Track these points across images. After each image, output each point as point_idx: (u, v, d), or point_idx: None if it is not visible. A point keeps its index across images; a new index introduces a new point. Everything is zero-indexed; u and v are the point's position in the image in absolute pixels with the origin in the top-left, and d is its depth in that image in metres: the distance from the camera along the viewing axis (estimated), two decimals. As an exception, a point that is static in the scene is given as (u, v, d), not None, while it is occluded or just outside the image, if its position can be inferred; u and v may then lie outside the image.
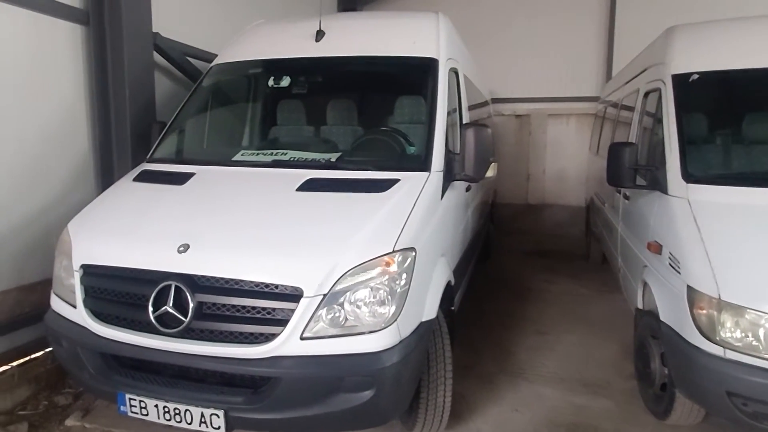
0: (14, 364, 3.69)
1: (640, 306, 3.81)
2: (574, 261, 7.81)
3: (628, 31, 8.97)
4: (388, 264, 2.44)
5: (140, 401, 2.53)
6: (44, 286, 3.88)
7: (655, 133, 3.74)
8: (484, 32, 9.31)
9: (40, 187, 3.88)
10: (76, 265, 2.70)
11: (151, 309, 2.43)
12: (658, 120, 3.71)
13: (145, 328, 2.49)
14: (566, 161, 9.82)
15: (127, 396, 2.55)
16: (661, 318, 3.11)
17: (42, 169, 3.88)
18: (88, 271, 2.67)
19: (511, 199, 9.93)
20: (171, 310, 2.40)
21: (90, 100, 4.20)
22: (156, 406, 2.50)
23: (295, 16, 4.39)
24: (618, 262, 4.78)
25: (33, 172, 3.82)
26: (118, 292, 2.60)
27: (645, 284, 3.66)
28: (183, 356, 2.44)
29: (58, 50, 3.98)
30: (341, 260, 2.39)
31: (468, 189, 4.13)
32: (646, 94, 4.22)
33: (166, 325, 2.43)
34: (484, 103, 6.88)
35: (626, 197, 4.32)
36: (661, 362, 3.26)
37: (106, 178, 4.20)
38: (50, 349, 3.86)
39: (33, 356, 3.82)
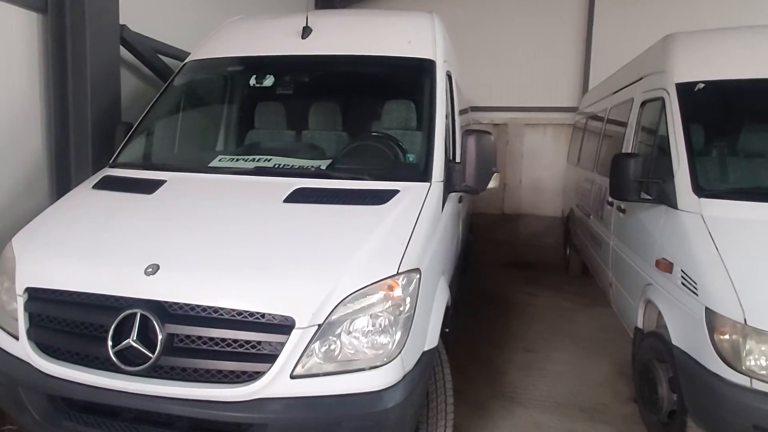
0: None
1: (640, 325, 3.63)
2: (553, 272, 7.69)
3: (605, 44, 9.03)
4: (391, 288, 2.14)
5: (95, 453, 2.13)
6: (-16, 307, 3.42)
7: (657, 144, 3.57)
8: (462, 39, 9.18)
9: (-18, 193, 3.41)
10: (20, 288, 2.28)
11: (110, 342, 2.04)
12: (660, 131, 3.55)
13: (103, 365, 2.10)
14: (542, 171, 9.79)
15: (81, 447, 2.15)
16: (673, 341, 2.91)
17: (-15, 173, 3.43)
18: (35, 295, 2.26)
19: (487, 209, 9.81)
20: (135, 344, 2.02)
21: (46, 97, 3.76)
22: (115, 458, 2.10)
23: (277, 13, 4.05)
24: (608, 277, 4.62)
25: (-25, 176, 3.37)
26: (71, 321, 2.20)
27: (648, 303, 3.48)
28: (148, 399, 2.06)
29: (11, 40, 3.54)
30: (339, 284, 2.07)
31: (461, 200, 3.87)
32: (643, 104, 4.06)
33: (129, 361, 2.04)
34: (466, 111, 6.69)
35: (621, 210, 4.15)
36: (670, 388, 3.07)
37: (61, 183, 3.76)
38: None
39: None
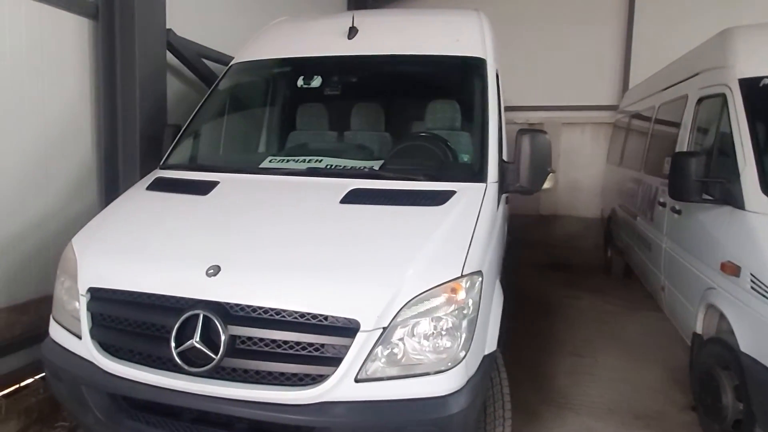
0: (1, 394, 3.27)
1: (699, 331, 3.48)
2: (592, 274, 7.51)
3: (647, 40, 8.76)
4: (454, 291, 2.08)
5: (157, 454, 2.13)
6: (38, 306, 3.50)
7: (718, 142, 3.42)
8: (497, 37, 9.06)
9: (37, 195, 3.49)
10: (83, 288, 2.30)
11: (173, 343, 2.04)
12: (721, 128, 3.40)
13: (166, 365, 2.10)
14: (580, 171, 9.56)
15: (143, 447, 2.15)
16: (741, 348, 2.78)
17: (40, 175, 3.50)
18: (97, 295, 2.27)
19: (523, 210, 9.61)
20: (198, 345, 2.01)
21: (96, 101, 3.82)
22: (177, 459, 2.10)
23: (313, 14, 4.02)
24: (660, 281, 4.45)
25: (30, 178, 3.44)
26: (133, 321, 2.20)
27: (709, 308, 3.33)
28: (210, 400, 2.05)
29: (64, 46, 3.61)
30: (404, 287, 2.02)
31: (507, 200, 3.79)
32: (700, 101, 3.90)
33: (192, 362, 2.03)
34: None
35: (676, 211, 3.99)
36: (735, 396, 2.92)
37: (110, 185, 3.82)
38: (41, 375, 3.47)
39: (22, 384, 3.41)
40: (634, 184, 5.81)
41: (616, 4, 9.02)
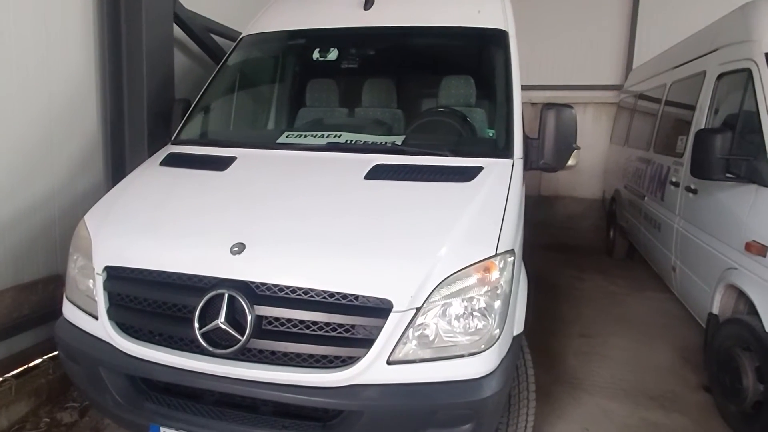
0: (11, 374, 3.20)
1: (715, 311, 3.46)
2: (595, 255, 7.51)
3: (652, 21, 8.64)
4: (488, 270, 2.01)
5: (181, 438, 2.06)
6: (45, 285, 3.41)
7: (742, 118, 3.34)
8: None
9: (42, 171, 3.36)
10: (98, 267, 2.20)
11: (197, 324, 1.96)
12: (745, 105, 3.33)
13: (189, 346, 2.02)
14: (581, 152, 9.46)
15: (163, 430, 2.08)
16: (767, 329, 2.75)
17: (44, 151, 3.36)
18: (114, 274, 2.17)
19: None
20: (224, 326, 1.93)
21: (101, 73, 3.65)
22: (202, 444, 2.04)
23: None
24: (671, 261, 4.43)
25: (34, 154, 3.30)
26: (153, 301, 2.11)
27: (728, 288, 3.31)
28: (236, 382, 1.98)
29: (67, 15, 3.43)
30: (437, 266, 1.95)
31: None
32: (720, 77, 3.82)
33: (216, 343, 1.96)
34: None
35: (691, 190, 3.94)
36: (757, 378, 2.91)
37: (116, 161, 3.69)
38: (51, 355, 3.40)
39: (31, 365, 3.34)
40: (642, 164, 5.75)
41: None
